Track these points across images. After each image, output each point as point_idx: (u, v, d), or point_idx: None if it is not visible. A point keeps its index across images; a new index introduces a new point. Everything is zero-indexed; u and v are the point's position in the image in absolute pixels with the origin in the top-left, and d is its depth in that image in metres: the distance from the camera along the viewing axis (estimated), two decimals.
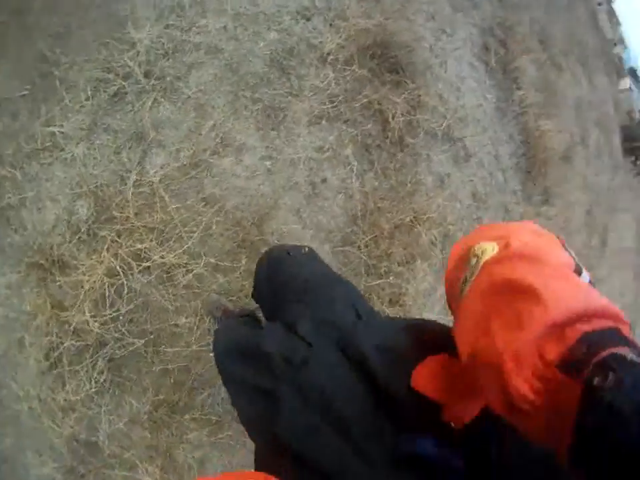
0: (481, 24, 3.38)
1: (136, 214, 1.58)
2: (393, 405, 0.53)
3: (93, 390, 1.49)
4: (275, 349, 0.71)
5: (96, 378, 1.49)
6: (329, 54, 2.11)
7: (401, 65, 2.32)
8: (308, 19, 2.20)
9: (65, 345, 1.49)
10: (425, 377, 0.51)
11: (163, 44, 1.94)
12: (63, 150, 1.70)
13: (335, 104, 2.00)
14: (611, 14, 15.58)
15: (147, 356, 1.53)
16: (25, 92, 1.86)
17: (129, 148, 1.71)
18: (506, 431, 0.42)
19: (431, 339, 0.58)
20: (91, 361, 1.50)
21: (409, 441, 0.49)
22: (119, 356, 1.51)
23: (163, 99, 1.80)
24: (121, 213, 1.58)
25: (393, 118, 2.15)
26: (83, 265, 1.54)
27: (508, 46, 3.52)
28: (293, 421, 0.60)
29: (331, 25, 2.22)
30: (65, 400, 1.49)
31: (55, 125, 1.75)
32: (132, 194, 1.61)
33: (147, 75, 1.84)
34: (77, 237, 1.59)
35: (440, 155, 2.41)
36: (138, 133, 1.73)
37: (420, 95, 2.34)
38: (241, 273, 1.71)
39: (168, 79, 1.85)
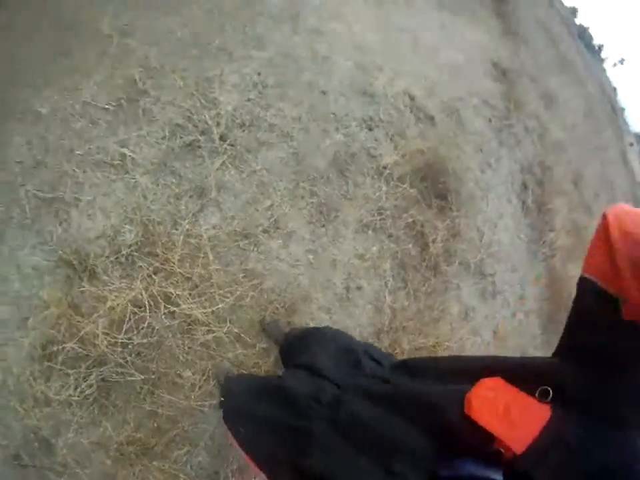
0: (522, 161, 3.86)
1: (178, 260, 1.70)
2: (447, 431, 0.55)
3: (75, 398, 1.51)
4: (302, 390, 0.78)
5: (82, 389, 1.52)
6: (385, 167, 2.41)
7: (448, 192, 2.63)
8: (371, 129, 2.54)
9: (66, 345, 1.54)
10: (478, 403, 0.53)
11: (242, 114, 2.20)
12: (128, 173, 1.86)
13: (382, 217, 2.25)
14: None
15: (141, 392, 1.57)
16: (109, 107, 2.04)
17: (189, 197, 1.89)
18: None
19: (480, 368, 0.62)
20: (85, 372, 1.53)
21: (447, 464, 0.51)
22: (114, 380, 1.54)
23: (230, 165, 2.02)
24: (164, 253, 1.70)
25: (432, 242, 2.40)
26: (112, 284, 1.64)
27: (545, 186, 3.95)
28: (328, 454, 0.64)
29: (391, 139, 2.56)
30: (42, 393, 1.51)
31: (128, 148, 1.92)
32: (181, 240, 1.75)
33: (222, 137, 2.07)
34: (115, 257, 1.69)
35: (470, 287, 2.62)
36: (201, 188, 1.92)
37: (460, 225, 2.62)
38: (258, 350, 1.79)
39: (239, 148, 2.09)
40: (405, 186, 2.40)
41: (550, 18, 8.47)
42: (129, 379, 1.54)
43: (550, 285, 3.46)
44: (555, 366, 0.57)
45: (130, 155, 1.92)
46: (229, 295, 1.71)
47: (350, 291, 2.12)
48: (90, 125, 2.01)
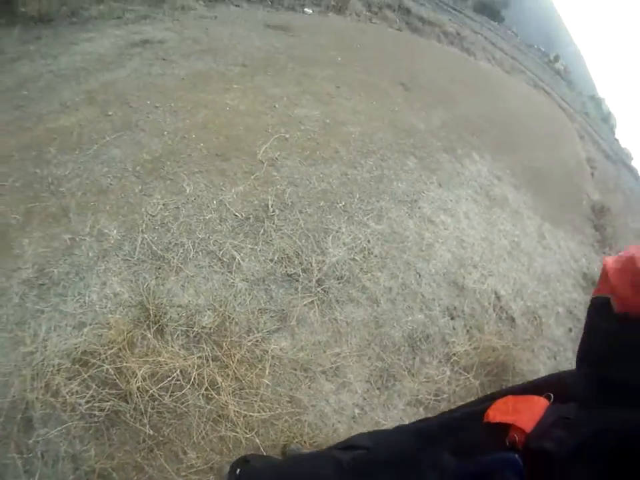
0: None
1: (238, 360, 1.73)
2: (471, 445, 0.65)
3: (81, 408, 1.49)
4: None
5: (93, 407, 1.50)
6: (454, 355, 2.41)
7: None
8: (452, 318, 2.63)
9: (104, 365, 1.57)
10: (493, 412, 0.65)
11: (343, 269, 2.40)
12: (231, 273, 2.03)
13: (438, 398, 2.18)
14: None
15: (141, 444, 1.51)
16: (239, 215, 2.36)
17: (271, 316, 1.98)
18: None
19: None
20: (105, 396, 1.53)
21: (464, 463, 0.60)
22: (124, 419, 1.51)
23: (317, 306, 2.14)
24: (229, 349, 1.74)
25: None
26: (172, 346, 1.69)
27: None
28: None
29: (468, 331, 2.62)
30: (57, 385, 1.51)
31: (239, 254, 2.15)
32: (248, 345, 1.78)
33: (318, 281, 2.24)
34: (186, 328, 1.78)
35: None
36: (284, 313, 2.03)
37: None
38: None
39: (330, 295, 2.23)
40: (468, 376, 2.36)
41: None
42: (138, 426, 1.51)
43: None
44: (567, 375, 0.70)
45: (238, 260, 2.09)
46: (267, 409, 1.71)
47: None
48: (218, 220, 2.26)
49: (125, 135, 2.56)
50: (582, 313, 4.00)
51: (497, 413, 0.64)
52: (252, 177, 2.66)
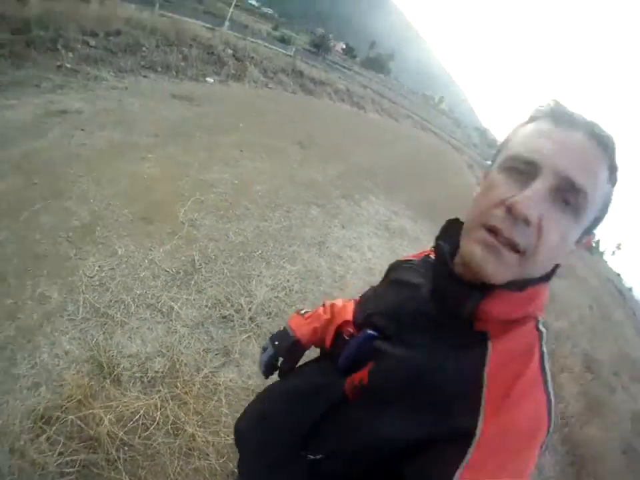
0: None
1: (194, 396, 1.96)
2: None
3: (52, 466, 1.50)
4: None
5: (63, 463, 1.52)
6: None
7: None
8: None
9: (68, 417, 1.64)
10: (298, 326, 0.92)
11: (270, 306, 2.81)
12: (171, 321, 2.31)
13: None
14: None
15: None
16: (170, 271, 2.62)
17: (215, 354, 2.28)
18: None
19: None
20: (74, 449, 1.57)
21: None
22: (97, 472, 1.55)
23: (254, 340, 2.50)
24: (183, 387, 1.98)
25: None
26: (131, 392, 1.87)
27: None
28: None
29: None
30: (18, 445, 1.52)
31: (176, 304, 2.43)
32: (200, 381, 2.04)
33: (251, 318, 2.62)
34: (140, 375, 1.96)
35: None
36: (226, 349, 2.34)
37: None
38: None
39: (263, 329, 2.63)
40: None
41: None
42: (113, 475, 1.55)
43: (571, 451, 3.52)
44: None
45: (176, 309, 2.38)
46: (232, 434, 1.86)
47: None
48: (152, 277, 2.55)
49: (53, 202, 2.74)
50: None
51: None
52: (176, 237, 2.98)
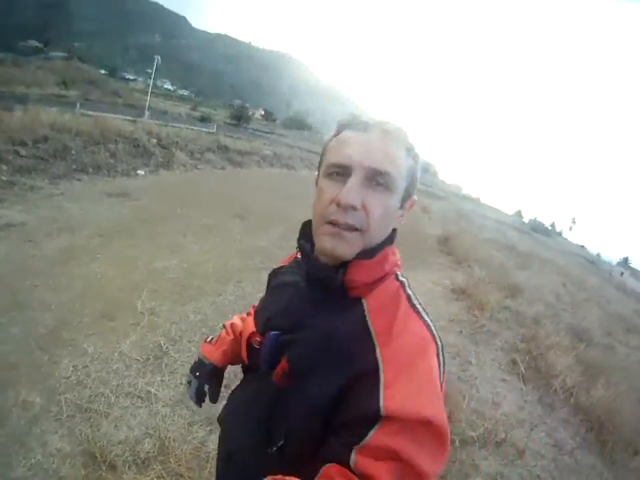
0: (502, 346, 4.65)
1: (187, 467, 2.10)
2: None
3: None
4: None
5: None
6: None
7: None
8: None
9: None
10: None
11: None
12: (152, 404, 2.49)
13: None
14: None
15: None
16: (140, 359, 2.82)
17: (199, 425, 2.44)
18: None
19: None
20: None
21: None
22: None
23: None
24: (176, 462, 2.11)
25: None
26: (128, 475, 1.99)
27: (533, 353, 4.54)
28: None
29: None
30: None
31: (153, 387, 2.61)
32: (191, 454, 2.21)
33: (225, 386, 2.76)
34: (133, 458, 2.10)
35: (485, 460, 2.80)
36: (209, 418, 2.47)
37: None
38: None
39: None
40: None
41: None
42: None
43: (585, 419, 3.65)
44: None
45: (154, 392, 2.58)
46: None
47: None
48: (125, 367, 2.75)
49: (17, 314, 2.90)
50: (464, 316, 5.38)
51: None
52: (139, 327, 3.19)
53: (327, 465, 0.55)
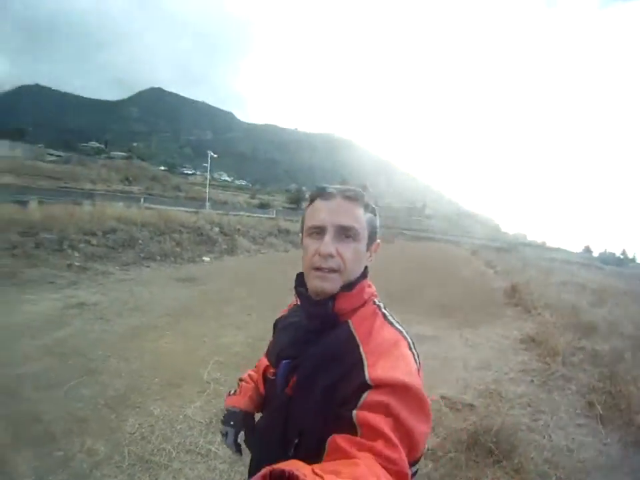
0: (579, 389, 4.42)
1: None
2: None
3: None
4: None
5: None
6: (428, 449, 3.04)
7: (498, 448, 3.09)
8: None
9: None
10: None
11: None
12: (211, 461, 2.67)
13: None
14: None
15: None
16: (203, 421, 3.08)
17: None
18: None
19: None
20: None
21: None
22: None
23: None
24: None
25: None
26: None
27: (612, 392, 4.30)
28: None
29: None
30: None
31: (213, 446, 2.85)
32: None
33: None
34: None
35: None
36: None
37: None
38: None
39: None
40: (450, 455, 2.97)
41: None
42: None
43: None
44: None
45: (214, 450, 2.81)
46: None
47: None
48: (188, 428, 3.01)
49: (89, 378, 3.34)
50: (534, 364, 5.22)
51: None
52: (204, 394, 3.48)
53: (330, 437, 0.73)
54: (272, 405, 1.01)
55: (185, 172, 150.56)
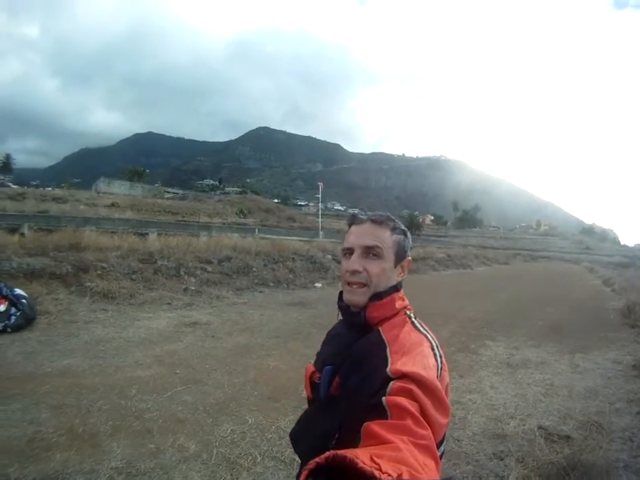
0: None
1: None
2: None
3: None
4: None
5: None
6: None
7: None
8: (501, 459, 3.08)
9: None
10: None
11: None
12: (294, 469, 2.69)
13: None
14: None
15: None
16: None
17: None
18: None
19: None
20: None
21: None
22: None
23: None
24: None
25: None
26: None
27: None
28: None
29: (521, 461, 3.01)
30: None
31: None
32: None
33: None
34: None
35: None
36: None
37: None
38: None
39: None
40: None
41: None
42: None
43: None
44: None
45: (298, 461, 2.84)
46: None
47: None
48: (278, 438, 3.08)
49: (193, 387, 3.65)
50: None
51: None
52: (300, 409, 3.63)
53: (364, 425, 0.79)
54: (314, 405, 1.13)
55: (299, 203, 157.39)
